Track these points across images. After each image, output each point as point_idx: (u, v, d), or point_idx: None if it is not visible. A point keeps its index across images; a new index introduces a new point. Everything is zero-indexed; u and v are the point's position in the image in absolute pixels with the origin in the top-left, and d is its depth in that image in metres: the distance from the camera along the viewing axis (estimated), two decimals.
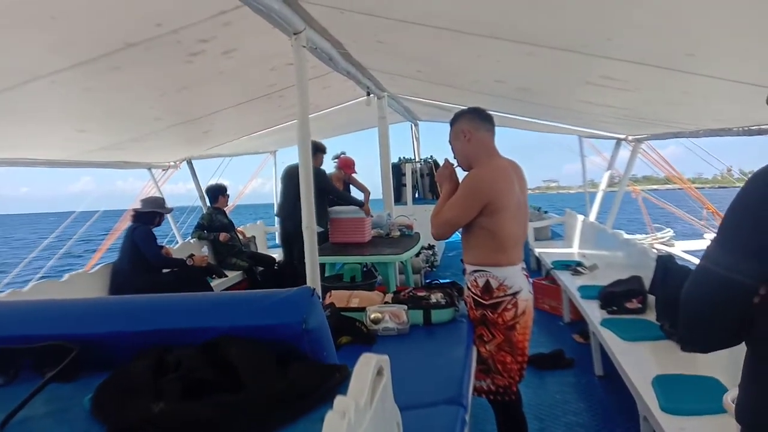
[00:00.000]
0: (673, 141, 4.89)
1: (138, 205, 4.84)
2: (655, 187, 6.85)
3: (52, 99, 3.01)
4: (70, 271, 4.38)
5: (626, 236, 4.90)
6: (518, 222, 2.29)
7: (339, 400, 0.61)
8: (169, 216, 5.37)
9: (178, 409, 0.67)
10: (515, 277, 2.27)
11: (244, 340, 0.81)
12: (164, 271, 4.84)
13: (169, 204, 5.08)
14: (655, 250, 4.39)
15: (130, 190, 6.43)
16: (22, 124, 3.33)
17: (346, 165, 5.92)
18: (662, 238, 7.05)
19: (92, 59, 2.58)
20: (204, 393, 0.72)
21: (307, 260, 2.87)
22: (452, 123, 2.43)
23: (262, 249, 7.53)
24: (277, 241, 8.36)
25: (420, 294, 2.67)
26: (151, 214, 4.73)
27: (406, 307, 2.47)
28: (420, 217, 6.69)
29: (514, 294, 2.25)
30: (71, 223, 5.97)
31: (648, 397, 2.23)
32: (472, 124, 2.36)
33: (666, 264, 3.41)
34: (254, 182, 8.97)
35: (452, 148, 2.45)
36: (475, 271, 2.31)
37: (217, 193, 6.09)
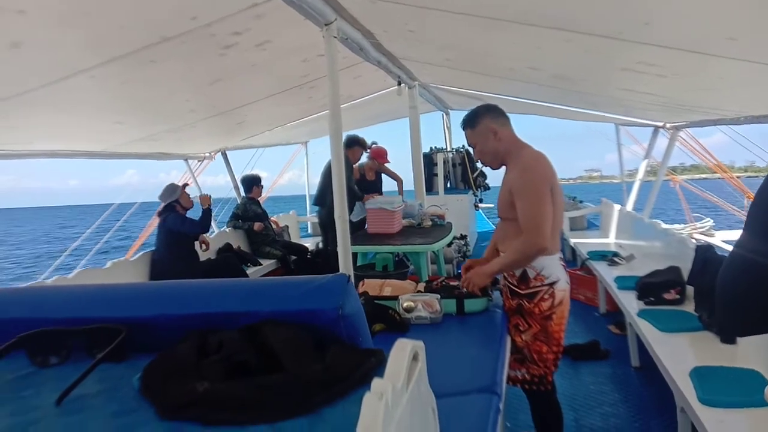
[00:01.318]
0: (720, 129, 4.71)
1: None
2: (704, 176, 6.67)
3: (91, 93, 3.10)
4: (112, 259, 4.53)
5: (664, 226, 4.78)
6: (558, 210, 2.24)
7: (377, 382, 0.62)
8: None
9: (221, 389, 0.70)
10: (553, 267, 2.23)
11: (283, 324, 0.83)
12: (202, 259, 4.97)
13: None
14: (694, 240, 4.27)
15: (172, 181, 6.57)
16: (63, 117, 3.44)
17: (378, 155, 5.94)
18: (701, 228, 6.85)
19: (129, 53, 2.65)
20: (245, 374, 0.75)
21: (339, 249, 2.90)
22: (472, 125, 2.36)
23: (294, 238, 7.64)
24: (310, 231, 8.48)
25: (453, 283, 2.67)
26: (170, 205, 4.83)
27: (438, 296, 2.48)
28: (452, 206, 6.66)
29: (552, 284, 2.22)
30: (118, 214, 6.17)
31: (686, 389, 2.19)
32: (498, 121, 2.33)
33: (705, 254, 3.32)
34: (291, 173, 9.08)
35: (479, 149, 2.39)
36: None
37: (252, 183, 6.19)
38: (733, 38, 2.06)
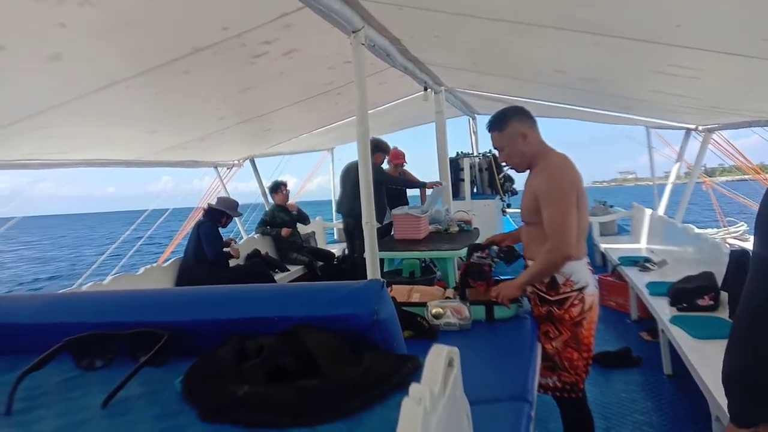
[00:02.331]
0: (755, 131, 4.59)
1: (212, 201, 5.10)
2: (747, 177, 6.48)
3: (126, 102, 3.20)
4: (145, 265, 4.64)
5: (697, 230, 4.68)
6: (583, 214, 2.23)
7: (414, 387, 0.63)
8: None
9: (261, 392, 0.72)
10: (582, 272, 2.22)
11: (319, 329, 0.84)
12: (231, 265, 5.06)
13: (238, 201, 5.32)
14: (727, 245, 4.18)
15: (205, 189, 6.71)
16: (100, 127, 3.55)
17: (394, 157, 5.98)
18: (735, 232, 6.68)
19: (163, 64, 2.72)
20: (284, 378, 0.76)
21: (367, 255, 2.92)
22: (500, 127, 2.33)
23: (321, 244, 7.70)
24: (336, 237, 8.53)
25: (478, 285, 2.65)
26: (219, 212, 4.96)
27: (468, 302, 2.47)
28: (479, 212, 6.62)
29: (581, 289, 2.20)
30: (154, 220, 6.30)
31: (721, 398, 2.13)
32: (526, 124, 2.31)
33: (739, 259, 3.25)
34: (320, 179, 9.17)
35: (506, 152, 2.37)
36: None
37: (272, 189, 6.35)
38: (766, 39, 2.02)
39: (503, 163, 2.46)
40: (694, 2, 1.87)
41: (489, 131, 2.41)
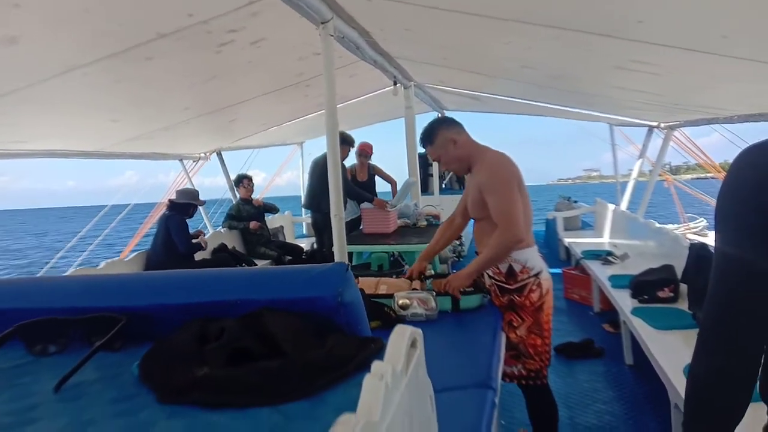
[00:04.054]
0: (716, 129, 4.73)
1: (173, 196, 5.00)
2: (710, 175, 6.67)
3: (86, 89, 3.10)
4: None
5: (658, 225, 4.81)
6: (528, 204, 2.33)
7: (377, 364, 0.63)
8: (200, 207, 5.51)
9: (222, 373, 0.70)
10: (535, 259, 2.31)
11: (283, 312, 0.83)
12: (197, 259, 4.98)
13: (202, 196, 5.24)
14: (687, 240, 4.31)
15: (173, 183, 6.58)
16: (58, 115, 3.43)
17: (362, 148, 5.95)
18: (695, 227, 6.91)
19: (125, 50, 2.65)
20: (247, 361, 0.75)
21: (335, 248, 2.90)
22: (430, 140, 2.44)
23: (290, 238, 7.63)
24: (305, 231, 8.47)
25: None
26: (186, 205, 4.88)
27: (434, 293, 2.48)
28: (447, 207, 6.65)
29: (537, 274, 2.29)
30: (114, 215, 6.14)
31: (680, 386, 2.20)
32: (453, 130, 2.41)
33: (699, 252, 3.35)
34: (290, 174, 9.08)
35: (444, 161, 2.46)
36: None
37: (236, 182, 6.27)
38: (725, 36, 2.08)
39: (444, 171, 2.53)
40: None
41: (423, 147, 2.52)
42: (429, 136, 2.44)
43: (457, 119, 2.49)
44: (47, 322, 0.89)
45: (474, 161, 2.40)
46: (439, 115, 9.70)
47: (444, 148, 2.41)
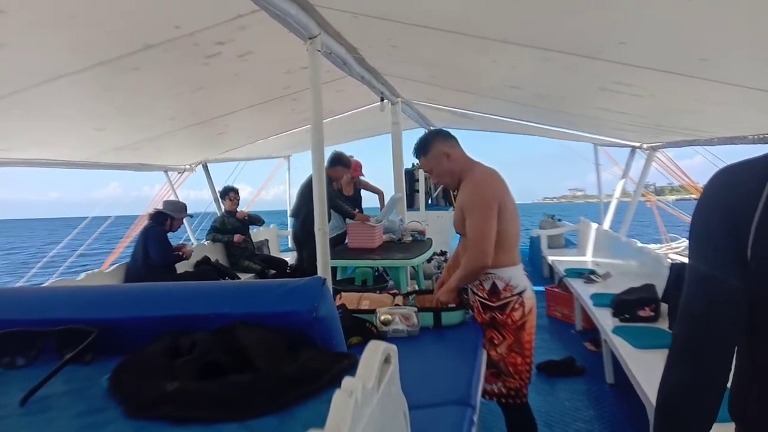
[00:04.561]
0: (698, 152, 4.82)
1: (159, 206, 4.97)
2: (694, 196, 6.76)
3: (72, 98, 3.08)
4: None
5: (639, 244, 4.87)
6: (515, 222, 2.35)
7: (347, 381, 0.62)
8: (185, 219, 5.47)
9: (192, 387, 0.69)
10: (519, 277, 2.32)
11: (256, 326, 0.83)
12: (179, 272, 4.93)
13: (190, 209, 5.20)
14: (669, 259, 4.36)
15: (156, 195, 6.53)
16: (43, 123, 3.40)
17: (353, 168, 5.95)
18: (677, 247, 7.00)
19: (112, 59, 2.64)
20: (217, 375, 0.74)
21: (318, 262, 2.89)
22: (424, 151, 2.48)
23: (274, 252, 7.59)
24: (290, 245, 8.44)
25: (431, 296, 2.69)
26: (163, 215, 4.83)
27: (416, 309, 2.48)
28: (432, 222, 6.70)
29: (520, 293, 2.30)
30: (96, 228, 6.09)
31: None
32: (448, 144, 2.44)
33: (679, 272, 3.39)
34: (277, 189, 9.06)
35: (434, 173, 2.50)
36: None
37: (222, 194, 6.23)
38: (704, 59, 2.13)
39: (435, 184, 2.55)
40: (638, 20, 1.95)
41: (416, 157, 2.56)
42: (423, 146, 2.47)
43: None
44: (17, 333, 0.88)
45: (463, 177, 2.42)
46: (428, 130, 9.79)
47: (437, 160, 2.43)
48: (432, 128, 9.74)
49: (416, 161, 8.34)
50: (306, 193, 4.94)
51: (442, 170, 2.45)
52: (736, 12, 1.63)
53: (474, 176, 2.37)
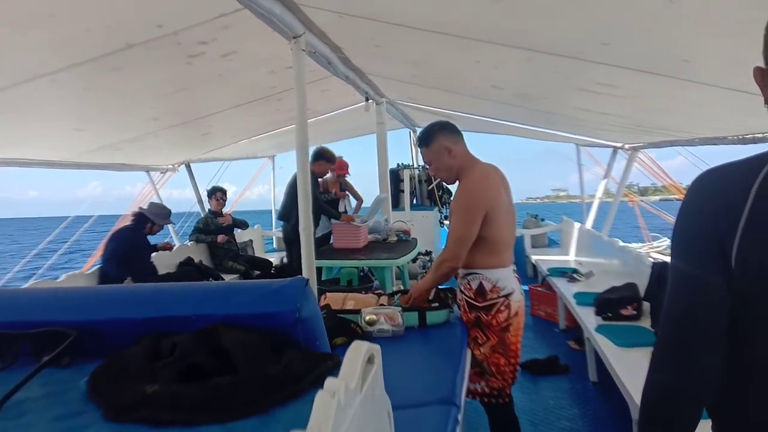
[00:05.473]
0: (680, 153, 4.89)
1: (144, 206, 4.91)
2: (676, 197, 6.85)
3: (52, 98, 3.03)
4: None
5: (622, 244, 4.92)
6: (508, 225, 2.35)
7: (330, 381, 0.62)
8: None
9: (172, 390, 0.69)
10: (508, 279, 2.31)
11: (238, 327, 0.82)
12: (161, 273, 4.87)
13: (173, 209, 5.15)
14: (650, 258, 4.41)
15: (139, 195, 6.45)
16: (22, 123, 3.34)
17: (339, 167, 5.95)
18: (658, 247, 7.08)
19: (93, 59, 2.60)
20: (199, 377, 0.73)
21: (303, 263, 2.88)
22: (426, 143, 2.44)
23: (259, 252, 7.54)
24: (275, 245, 8.39)
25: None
26: (144, 217, 4.76)
27: (401, 308, 2.48)
28: (417, 222, 6.70)
29: (507, 295, 2.29)
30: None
31: None
32: (452, 139, 2.41)
33: (661, 271, 3.43)
34: (261, 188, 9.00)
35: (433, 166, 2.47)
36: (468, 274, 2.34)
37: (208, 195, 6.16)
38: (686, 60, 2.15)
39: (433, 177, 2.54)
40: (620, 21, 1.97)
41: (418, 147, 2.53)
42: (426, 138, 2.44)
43: None
44: None
45: (462, 174, 2.40)
46: (411, 131, 9.80)
47: (437, 154, 2.40)
48: (411, 132, 9.83)
49: (402, 162, 8.40)
50: (294, 192, 4.92)
51: (441, 165, 2.42)
52: (717, 14, 1.65)
53: (470, 177, 2.35)
